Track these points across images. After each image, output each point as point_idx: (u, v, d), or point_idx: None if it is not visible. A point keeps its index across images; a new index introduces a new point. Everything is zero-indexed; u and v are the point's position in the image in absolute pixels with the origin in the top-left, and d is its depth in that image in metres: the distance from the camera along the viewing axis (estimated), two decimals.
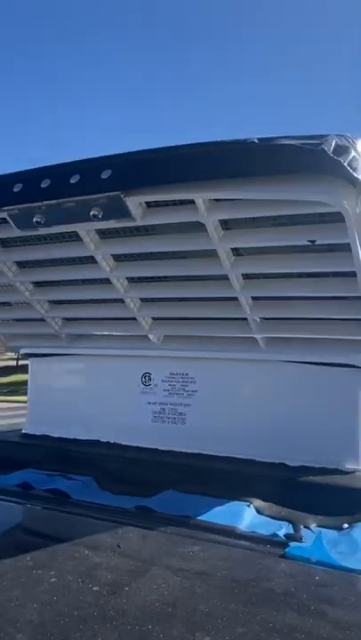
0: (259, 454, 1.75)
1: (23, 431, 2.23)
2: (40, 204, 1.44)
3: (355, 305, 1.47)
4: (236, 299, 1.58)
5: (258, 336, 1.69)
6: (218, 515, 1.46)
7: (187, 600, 0.98)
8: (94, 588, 1.01)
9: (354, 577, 1.11)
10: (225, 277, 1.51)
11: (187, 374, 1.92)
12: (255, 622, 0.91)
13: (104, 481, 1.79)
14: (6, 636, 0.87)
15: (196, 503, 1.53)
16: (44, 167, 1.49)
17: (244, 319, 1.64)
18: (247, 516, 1.46)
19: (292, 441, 1.73)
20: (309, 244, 1.33)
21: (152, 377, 1.98)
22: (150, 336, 1.86)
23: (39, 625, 0.90)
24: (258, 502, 1.53)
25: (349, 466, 1.65)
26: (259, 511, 1.51)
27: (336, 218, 1.25)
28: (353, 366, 1.66)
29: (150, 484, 1.68)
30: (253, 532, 1.37)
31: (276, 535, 1.35)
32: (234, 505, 1.51)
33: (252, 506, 1.52)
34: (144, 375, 1.99)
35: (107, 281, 1.70)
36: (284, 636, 0.87)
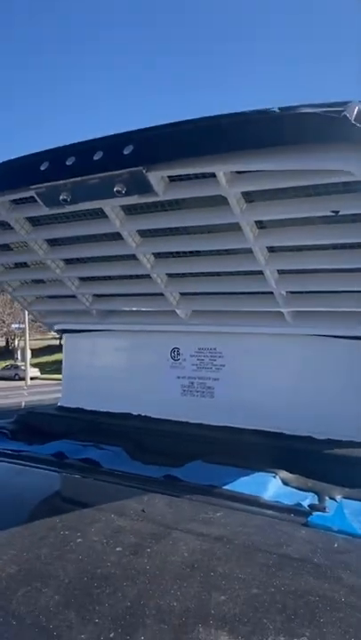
0: (286, 427, 1.76)
1: (58, 404, 2.31)
2: (66, 181, 1.47)
3: None
4: (261, 272, 1.57)
5: (285, 310, 1.68)
6: (243, 484, 1.48)
7: (205, 562, 1.01)
8: (117, 549, 1.06)
9: None
10: (249, 251, 1.51)
11: (215, 349, 1.93)
12: (271, 585, 0.93)
13: (134, 451, 1.85)
14: (33, 589, 0.93)
15: (222, 473, 1.56)
16: (69, 145, 1.52)
17: (271, 293, 1.64)
18: (272, 486, 1.48)
19: (318, 414, 1.73)
20: (333, 214, 1.31)
21: (181, 352, 2.00)
22: (178, 311, 1.88)
23: (64, 581, 0.95)
24: (284, 474, 1.55)
25: None
26: (284, 482, 1.53)
27: (360, 187, 1.23)
28: None
29: (179, 455, 1.71)
30: (277, 501, 1.39)
31: (299, 505, 1.36)
32: (259, 476, 1.53)
33: (277, 477, 1.53)
34: (173, 350, 2.02)
35: (133, 257, 1.72)
36: (297, 598, 0.89)
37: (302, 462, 1.59)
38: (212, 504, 1.32)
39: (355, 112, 1.11)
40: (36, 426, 2.18)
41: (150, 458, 1.78)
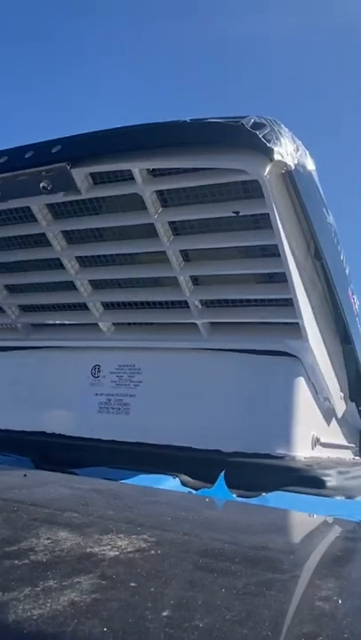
0: (196, 442, 1.77)
1: None
2: None
3: (282, 285, 1.56)
4: (176, 280, 1.67)
5: (199, 322, 1.76)
6: (140, 481, 1.48)
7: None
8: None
9: None
10: (165, 256, 1.62)
11: (134, 365, 1.97)
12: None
13: (40, 462, 1.80)
14: None
15: (122, 474, 1.55)
16: (5, 149, 1.65)
17: (186, 303, 1.73)
18: (169, 484, 1.48)
19: (227, 429, 1.76)
20: (234, 215, 1.45)
21: (101, 369, 2.03)
22: (100, 324, 1.93)
23: None
24: (184, 477, 1.55)
25: (280, 451, 1.67)
26: (183, 484, 1.53)
27: (258, 193, 1.38)
28: (287, 354, 1.72)
29: (86, 465, 1.70)
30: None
31: (190, 493, 1.36)
32: (159, 477, 1.53)
33: (177, 478, 1.53)
34: (94, 367, 2.04)
35: (59, 264, 1.80)
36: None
37: (206, 470, 1.59)
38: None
39: (251, 122, 1.30)
40: None
41: (56, 467, 1.74)
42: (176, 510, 0.98)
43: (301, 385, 1.77)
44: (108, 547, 0.73)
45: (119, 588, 0.61)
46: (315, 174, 1.51)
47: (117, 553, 0.71)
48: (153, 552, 0.72)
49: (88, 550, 0.71)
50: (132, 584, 0.62)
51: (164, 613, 0.55)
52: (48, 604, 0.56)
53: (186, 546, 0.77)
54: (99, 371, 2.04)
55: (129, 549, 0.72)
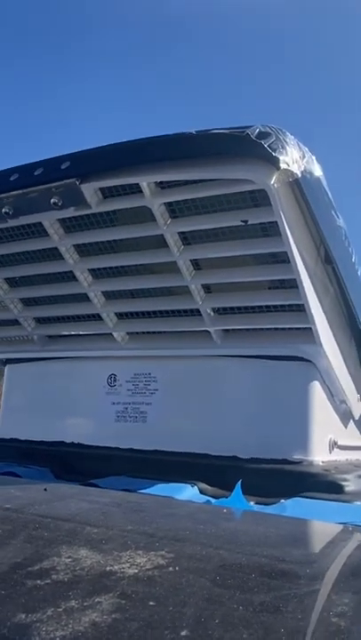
0: (212, 449, 1.78)
1: None
2: (8, 194, 1.61)
3: (294, 291, 1.56)
4: (187, 289, 1.69)
5: (211, 329, 1.77)
6: (159, 490, 1.49)
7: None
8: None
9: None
10: (175, 265, 1.64)
11: (149, 373, 1.99)
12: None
13: (60, 472, 1.83)
14: None
15: (141, 483, 1.57)
16: (15, 167, 1.68)
17: (198, 311, 1.74)
18: (187, 492, 1.50)
19: (243, 435, 1.77)
20: (243, 223, 1.46)
21: (117, 378, 2.05)
22: (115, 334, 1.95)
23: None
24: (202, 485, 1.57)
25: (297, 456, 1.67)
26: (202, 492, 1.54)
27: (266, 201, 1.39)
28: (301, 359, 1.72)
29: (105, 474, 1.72)
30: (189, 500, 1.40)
31: (208, 502, 1.37)
32: (178, 485, 1.54)
33: (195, 487, 1.55)
34: (110, 376, 2.07)
35: (72, 276, 1.82)
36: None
37: (224, 477, 1.60)
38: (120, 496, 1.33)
39: (256, 131, 1.30)
40: None
41: (76, 477, 1.77)
42: (194, 524, 0.99)
43: (316, 388, 1.77)
44: (128, 564, 0.74)
45: (138, 607, 0.62)
46: (322, 179, 1.51)
47: (136, 570, 0.72)
48: (171, 569, 0.73)
49: (108, 569, 0.73)
50: (151, 603, 0.63)
51: (183, 633, 0.57)
52: (70, 626, 0.57)
53: (204, 562, 0.78)
54: (115, 380, 2.06)
55: (147, 566, 0.74)
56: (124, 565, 0.74)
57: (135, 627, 0.58)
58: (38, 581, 0.69)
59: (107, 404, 2.04)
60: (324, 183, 1.53)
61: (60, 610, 0.61)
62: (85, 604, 0.62)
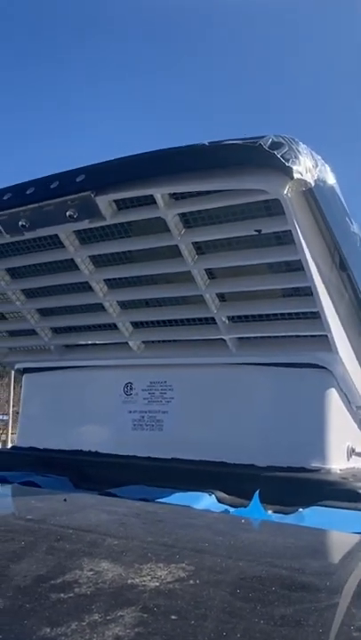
0: (229, 457, 1.78)
1: (13, 445, 2.32)
2: (24, 208, 1.64)
3: (309, 299, 1.56)
4: (202, 297, 1.70)
5: (227, 337, 1.78)
6: (176, 499, 1.50)
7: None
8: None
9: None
10: (190, 275, 1.65)
11: (165, 382, 2.00)
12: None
13: (79, 481, 1.85)
14: None
15: (159, 492, 1.58)
16: (31, 180, 1.71)
17: (213, 319, 1.75)
18: (205, 501, 1.50)
19: (260, 443, 1.77)
20: (256, 233, 1.46)
21: (133, 386, 2.07)
22: (130, 343, 1.97)
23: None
24: (220, 494, 1.57)
25: (315, 464, 1.67)
26: (220, 500, 1.55)
27: (280, 210, 1.40)
28: (317, 366, 1.72)
29: (123, 483, 1.73)
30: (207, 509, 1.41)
31: (226, 511, 1.38)
32: (195, 494, 1.55)
33: (213, 495, 1.55)
34: (126, 385, 2.08)
35: (88, 287, 1.84)
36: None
37: (242, 485, 1.61)
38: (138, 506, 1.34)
39: (269, 142, 1.31)
40: None
41: (94, 486, 1.78)
42: (213, 534, 1.00)
43: (333, 395, 1.76)
44: (149, 577, 0.76)
45: (161, 621, 0.63)
46: (336, 186, 1.51)
47: (158, 584, 0.73)
48: (192, 582, 0.74)
49: (129, 581, 0.74)
50: (173, 617, 0.64)
51: None
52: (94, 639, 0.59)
53: (223, 574, 0.79)
54: (131, 388, 2.07)
55: (168, 579, 0.75)
56: (145, 578, 0.75)
57: None
58: (62, 595, 0.70)
59: (123, 413, 2.06)
60: (338, 190, 1.53)
61: (84, 624, 0.62)
62: (108, 617, 0.64)
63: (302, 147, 1.35)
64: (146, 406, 2.02)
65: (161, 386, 2.02)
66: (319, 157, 1.42)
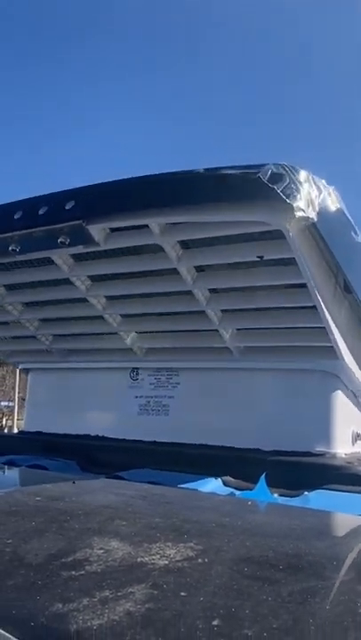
0: (235, 442, 1.79)
1: (20, 429, 2.34)
2: (13, 234, 1.58)
3: (314, 314, 1.53)
4: (204, 312, 1.67)
5: (231, 346, 1.75)
6: (183, 482, 1.51)
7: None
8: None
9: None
10: (190, 293, 1.62)
11: (171, 368, 2.01)
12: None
13: (86, 464, 1.87)
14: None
15: (166, 476, 1.59)
16: (18, 201, 1.64)
17: (217, 330, 1.73)
18: (211, 485, 1.51)
19: (266, 428, 1.78)
20: (258, 259, 1.43)
21: (139, 372, 2.08)
22: (133, 348, 1.95)
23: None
24: (227, 478, 1.58)
25: (320, 448, 1.68)
26: (225, 484, 1.56)
27: (282, 235, 1.33)
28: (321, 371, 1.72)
29: (130, 467, 1.75)
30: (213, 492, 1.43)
31: (232, 494, 1.40)
32: (201, 478, 1.56)
33: (219, 479, 1.57)
34: (133, 370, 2.09)
35: (85, 300, 1.81)
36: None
37: (247, 469, 1.62)
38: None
39: (268, 174, 1.24)
40: None
41: (101, 470, 1.80)
42: (220, 516, 1.01)
43: (338, 382, 1.77)
44: (158, 555, 0.77)
45: (170, 598, 0.64)
46: (340, 207, 1.46)
47: (167, 562, 0.74)
48: (200, 560, 0.75)
49: (139, 560, 0.75)
50: (183, 593, 0.65)
51: (214, 622, 0.59)
52: (106, 615, 0.60)
53: (231, 553, 0.80)
54: (137, 373, 2.09)
55: (177, 558, 0.76)
56: (154, 557, 0.76)
57: (168, 616, 0.60)
58: (73, 572, 0.71)
59: (130, 398, 2.07)
60: (343, 208, 1.48)
61: (96, 600, 0.63)
62: (119, 594, 0.65)
63: (303, 175, 1.28)
64: (152, 391, 2.04)
65: (167, 371, 2.03)
66: (322, 183, 1.36)
